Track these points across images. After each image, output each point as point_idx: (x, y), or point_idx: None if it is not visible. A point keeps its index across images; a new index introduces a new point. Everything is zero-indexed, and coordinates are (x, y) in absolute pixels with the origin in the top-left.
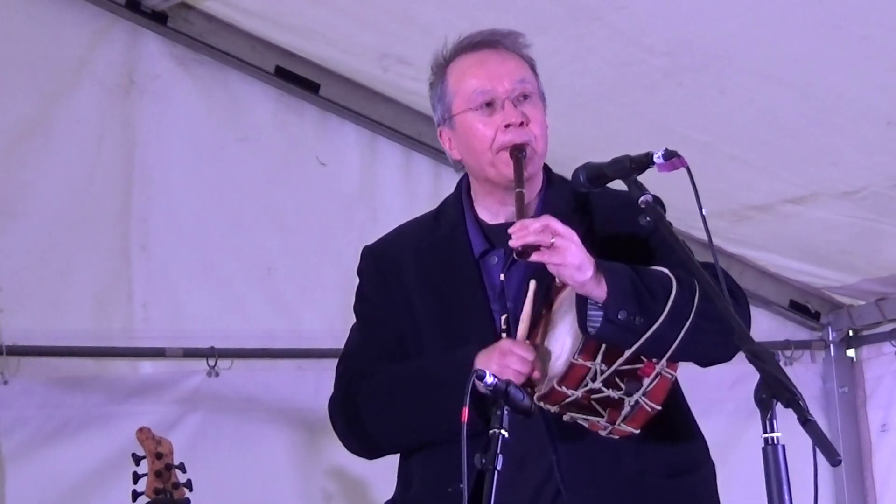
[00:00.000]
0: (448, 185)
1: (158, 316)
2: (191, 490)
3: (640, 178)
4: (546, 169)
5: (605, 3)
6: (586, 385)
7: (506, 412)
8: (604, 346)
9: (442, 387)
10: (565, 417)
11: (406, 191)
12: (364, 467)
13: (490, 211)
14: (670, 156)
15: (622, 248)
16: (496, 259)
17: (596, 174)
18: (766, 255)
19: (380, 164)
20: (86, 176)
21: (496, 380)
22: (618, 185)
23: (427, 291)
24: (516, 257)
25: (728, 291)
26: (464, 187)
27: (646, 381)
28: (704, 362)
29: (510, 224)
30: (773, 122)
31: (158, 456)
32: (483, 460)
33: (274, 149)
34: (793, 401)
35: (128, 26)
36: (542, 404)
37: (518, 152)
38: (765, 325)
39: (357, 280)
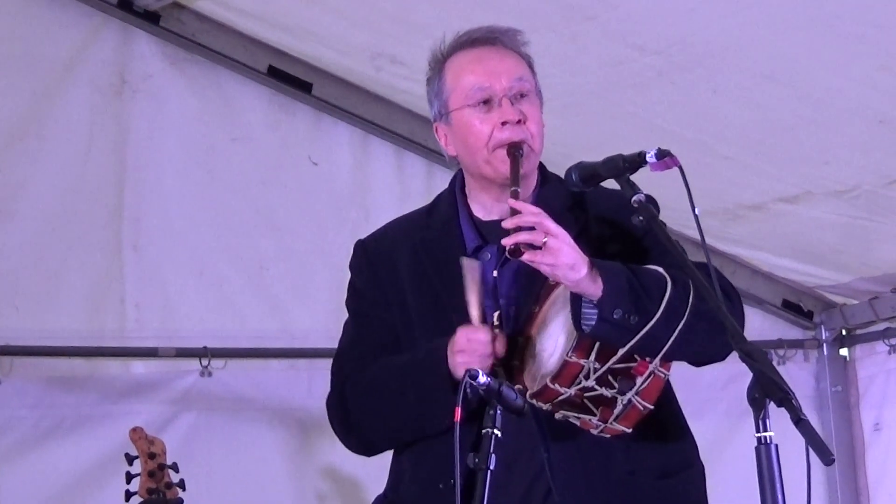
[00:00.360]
0: (440, 184)
1: (151, 316)
2: (184, 490)
3: (634, 177)
4: (541, 167)
5: (597, 3)
6: (579, 383)
7: (499, 412)
8: (598, 344)
9: (416, 378)
10: (557, 415)
11: (398, 190)
12: (357, 466)
13: (484, 207)
14: (663, 155)
15: (617, 246)
16: (489, 255)
17: (589, 173)
18: (758, 254)
19: (372, 164)
20: (78, 176)
21: (489, 379)
22: (611, 184)
23: (419, 286)
24: (508, 256)
25: (722, 291)
26: (458, 183)
27: (639, 380)
28: (698, 362)
29: (504, 220)
30: (765, 121)
31: (151, 456)
32: (476, 459)
33: (266, 148)
34: (786, 400)
35: (120, 26)
36: (534, 402)
37: (514, 150)
38: (758, 324)
39: (349, 275)
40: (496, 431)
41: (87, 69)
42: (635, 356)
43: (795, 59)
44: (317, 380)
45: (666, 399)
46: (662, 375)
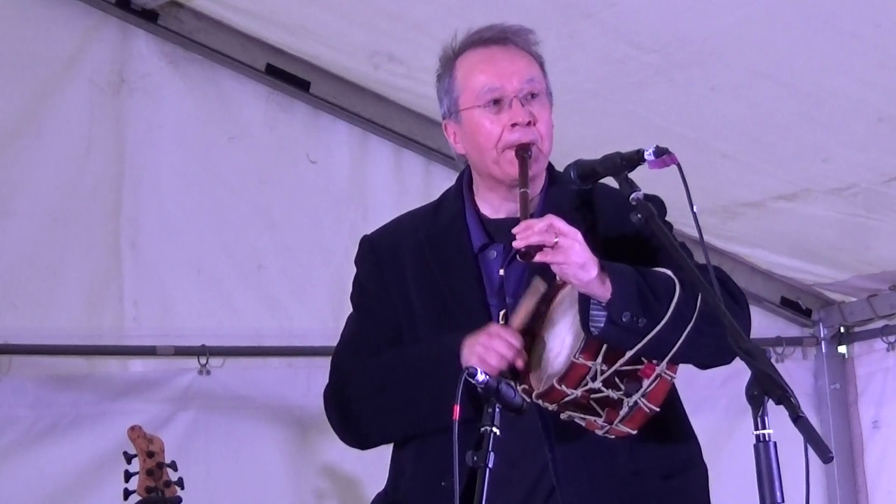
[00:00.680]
0: (439, 182)
1: (149, 314)
2: (182, 488)
3: (632, 175)
4: (549, 167)
5: (595, 0)
6: (586, 384)
7: (497, 410)
8: (605, 345)
9: (427, 373)
10: (563, 416)
11: (396, 188)
12: (356, 464)
13: (491, 206)
14: (661, 153)
15: (624, 245)
16: (495, 254)
17: (587, 171)
18: (757, 251)
19: (370, 162)
20: (76, 174)
21: (487, 377)
22: (609, 182)
23: (424, 283)
24: (519, 258)
25: (729, 294)
26: (465, 180)
27: (645, 383)
28: (704, 364)
29: (511, 219)
30: (763, 119)
31: (150, 454)
32: (475, 458)
33: (264, 147)
34: (784, 397)
35: (118, 24)
36: (540, 402)
37: (524, 152)
38: (756, 322)
39: (354, 271)
40: (495, 430)
41: (86, 67)
42: (642, 358)
43: (794, 56)
44: (315, 378)
45: (670, 400)
46: (669, 378)
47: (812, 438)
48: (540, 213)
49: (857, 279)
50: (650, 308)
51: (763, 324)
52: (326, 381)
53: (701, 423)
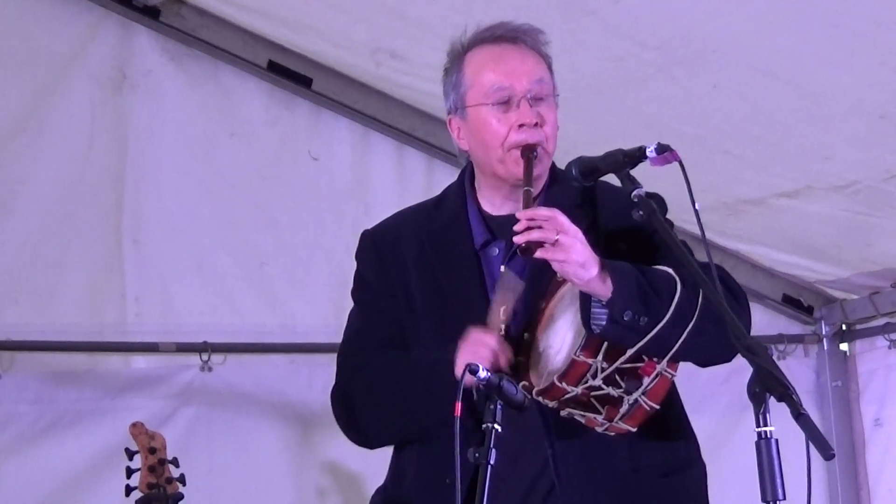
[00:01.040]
0: (441, 179)
1: (151, 310)
2: (184, 484)
3: (634, 172)
4: (551, 165)
5: None
6: (586, 382)
7: (499, 406)
8: (606, 343)
9: (422, 384)
10: (563, 413)
11: (398, 185)
12: (357, 461)
13: (493, 203)
14: (663, 150)
15: (626, 242)
16: (497, 250)
17: (589, 168)
18: (758, 248)
19: (372, 159)
20: (78, 171)
21: (489, 374)
22: (611, 179)
23: (425, 279)
24: (520, 254)
25: (729, 291)
26: (467, 176)
27: (646, 380)
28: (705, 362)
29: (513, 216)
30: (765, 117)
31: (152, 451)
32: (476, 454)
33: (266, 143)
34: (786, 395)
35: (120, 21)
36: (540, 399)
37: (529, 152)
38: (758, 320)
39: (354, 265)
40: (496, 426)
41: (87, 64)
42: (643, 356)
43: (796, 54)
44: (317, 375)
45: (670, 398)
46: (669, 376)
47: (814, 436)
48: None
49: (859, 276)
50: (651, 306)
51: (765, 321)
52: (328, 377)
53: (702, 421)
